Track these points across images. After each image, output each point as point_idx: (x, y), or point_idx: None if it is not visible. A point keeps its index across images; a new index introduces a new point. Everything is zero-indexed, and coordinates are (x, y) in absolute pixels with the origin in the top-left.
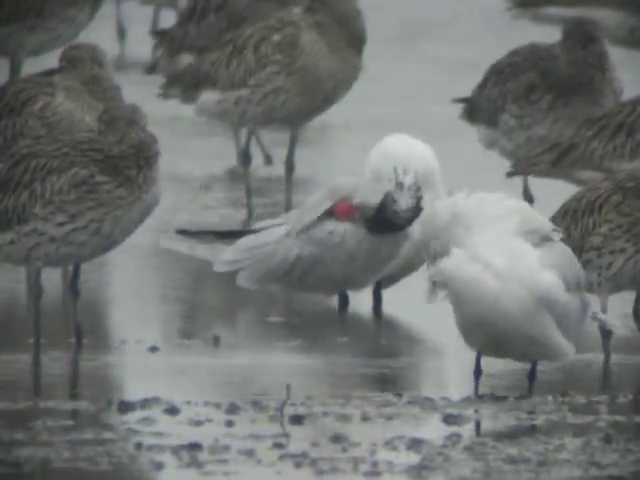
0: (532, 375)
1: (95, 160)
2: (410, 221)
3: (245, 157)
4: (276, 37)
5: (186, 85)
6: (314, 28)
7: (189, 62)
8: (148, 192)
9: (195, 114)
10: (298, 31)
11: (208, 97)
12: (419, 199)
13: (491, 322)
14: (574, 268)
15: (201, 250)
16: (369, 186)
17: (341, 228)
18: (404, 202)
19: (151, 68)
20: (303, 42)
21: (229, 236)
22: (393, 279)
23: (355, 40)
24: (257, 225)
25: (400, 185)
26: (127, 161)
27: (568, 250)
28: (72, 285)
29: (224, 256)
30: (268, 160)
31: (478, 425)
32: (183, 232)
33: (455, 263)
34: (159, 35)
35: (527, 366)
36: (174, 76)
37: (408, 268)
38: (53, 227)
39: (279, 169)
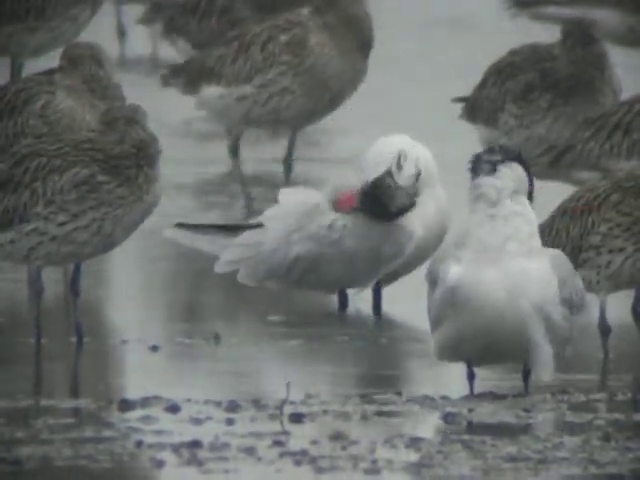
0: (526, 375)
1: (96, 160)
2: (403, 209)
3: (233, 150)
4: (284, 37)
5: (189, 76)
6: (323, 30)
7: (184, 47)
8: (149, 192)
9: (196, 108)
10: (306, 32)
11: (210, 92)
12: (417, 190)
13: (497, 329)
14: (573, 283)
15: (203, 243)
16: (369, 166)
17: (340, 223)
18: (402, 182)
19: (147, 19)
20: (312, 43)
21: (229, 230)
22: (393, 277)
23: (363, 43)
24: (255, 219)
25: (400, 166)
26: (128, 161)
27: (570, 265)
28: (73, 286)
29: (224, 256)
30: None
31: (477, 423)
32: (182, 225)
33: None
34: (155, 6)
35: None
36: (177, 66)
37: (408, 266)
38: (54, 226)
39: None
